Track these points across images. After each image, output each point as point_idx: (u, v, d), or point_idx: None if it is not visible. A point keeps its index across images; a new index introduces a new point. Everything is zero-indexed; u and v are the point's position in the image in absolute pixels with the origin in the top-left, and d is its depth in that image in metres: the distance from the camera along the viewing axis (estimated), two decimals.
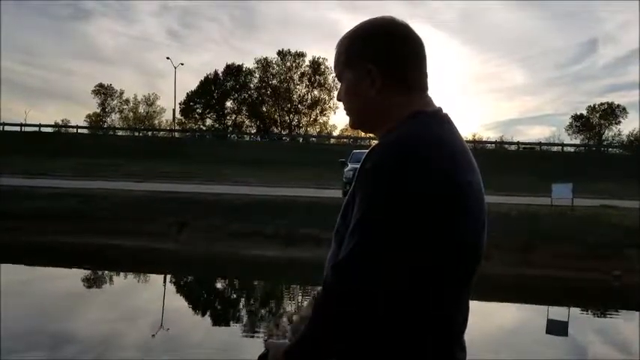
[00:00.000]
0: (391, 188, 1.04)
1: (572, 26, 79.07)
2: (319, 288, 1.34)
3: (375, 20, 1.23)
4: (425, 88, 1.22)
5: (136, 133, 45.05)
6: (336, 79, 1.30)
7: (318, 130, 53.90)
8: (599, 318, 9.05)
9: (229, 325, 7.89)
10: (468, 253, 1.11)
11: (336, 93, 1.32)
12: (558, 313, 9.00)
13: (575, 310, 9.33)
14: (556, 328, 7.99)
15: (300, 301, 9.56)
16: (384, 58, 1.18)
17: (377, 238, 1.04)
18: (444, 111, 1.21)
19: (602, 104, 53.23)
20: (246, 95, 52.57)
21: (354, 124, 1.28)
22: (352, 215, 1.09)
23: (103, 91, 57.68)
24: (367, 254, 1.04)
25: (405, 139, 1.10)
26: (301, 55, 52.13)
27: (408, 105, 1.18)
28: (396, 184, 1.04)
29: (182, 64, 47.46)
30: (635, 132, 50.33)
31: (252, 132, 50.98)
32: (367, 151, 1.16)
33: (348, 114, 1.27)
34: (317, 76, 51.96)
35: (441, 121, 1.18)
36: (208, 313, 8.69)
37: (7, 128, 38.16)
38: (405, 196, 1.04)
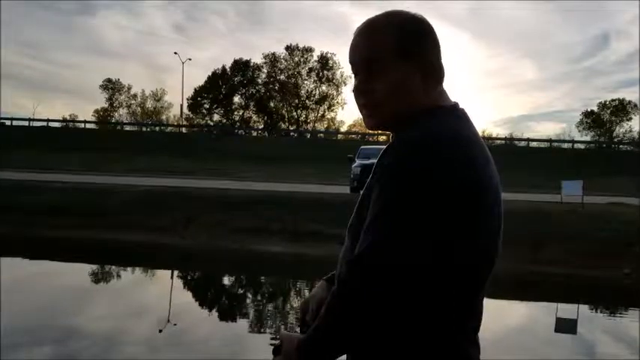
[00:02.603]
0: (409, 186, 1.03)
1: (584, 21, 78.41)
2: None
3: (403, 13, 1.19)
4: (442, 82, 1.20)
5: (144, 128, 45.20)
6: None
7: (325, 125, 53.86)
8: (608, 316, 8.96)
9: (235, 320, 7.88)
10: (484, 251, 1.11)
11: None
12: (567, 310, 8.93)
13: (585, 308, 9.25)
14: (565, 326, 7.93)
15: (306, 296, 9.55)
16: (422, 52, 1.16)
17: (393, 236, 1.03)
18: (460, 106, 1.19)
19: (613, 100, 52.74)
20: (254, 90, 52.56)
21: (377, 122, 1.20)
22: (368, 211, 1.08)
23: (111, 86, 57.90)
24: (382, 252, 1.03)
25: (422, 136, 1.08)
26: (309, 50, 52.04)
27: (427, 100, 1.16)
28: (414, 182, 1.03)
29: (190, 59, 47.44)
30: None
31: (260, 127, 50.99)
32: (378, 147, 1.12)
33: (371, 111, 1.19)
34: (325, 72, 51.82)
35: (458, 116, 1.16)
36: (214, 308, 8.70)
37: (15, 123, 38.43)
38: (422, 194, 1.03)
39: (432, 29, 1.20)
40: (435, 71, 1.19)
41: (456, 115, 1.16)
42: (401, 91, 1.16)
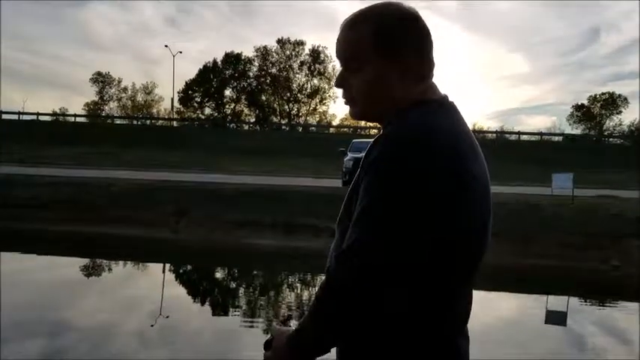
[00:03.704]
0: (394, 180, 1.03)
1: (574, 14, 78.58)
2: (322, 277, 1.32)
3: (386, 7, 1.17)
4: (430, 75, 1.19)
5: (135, 122, 44.90)
6: (335, 67, 1.25)
7: (317, 119, 53.78)
8: (597, 308, 9.06)
9: (228, 314, 7.89)
10: (470, 244, 1.11)
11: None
12: (557, 303, 9.01)
13: (574, 300, 9.34)
14: (555, 318, 8.01)
15: (299, 288, 9.57)
16: (400, 48, 1.14)
17: (379, 230, 1.03)
18: (450, 99, 1.19)
19: (603, 94, 53.00)
20: (246, 84, 52.33)
21: (359, 114, 1.22)
22: (355, 206, 1.08)
23: (101, 80, 57.32)
24: (369, 246, 1.03)
25: (409, 129, 1.08)
26: (301, 43, 51.83)
27: (415, 93, 1.15)
28: (399, 176, 1.03)
29: (180, 52, 47.17)
30: (636, 122, 50.26)
31: (251, 121, 50.84)
32: (370, 140, 1.13)
33: (351, 103, 1.21)
34: (317, 65, 51.65)
35: (446, 109, 1.16)
36: (206, 302, 8.70)
37: (4, 117, 38.03)
38: (409, 188, 1.03)
39: (419, 21, 1.17)
40: (419, 66, 1.16)
41: (445, 108, 1.16)
42: (377, 88, 1.15)
